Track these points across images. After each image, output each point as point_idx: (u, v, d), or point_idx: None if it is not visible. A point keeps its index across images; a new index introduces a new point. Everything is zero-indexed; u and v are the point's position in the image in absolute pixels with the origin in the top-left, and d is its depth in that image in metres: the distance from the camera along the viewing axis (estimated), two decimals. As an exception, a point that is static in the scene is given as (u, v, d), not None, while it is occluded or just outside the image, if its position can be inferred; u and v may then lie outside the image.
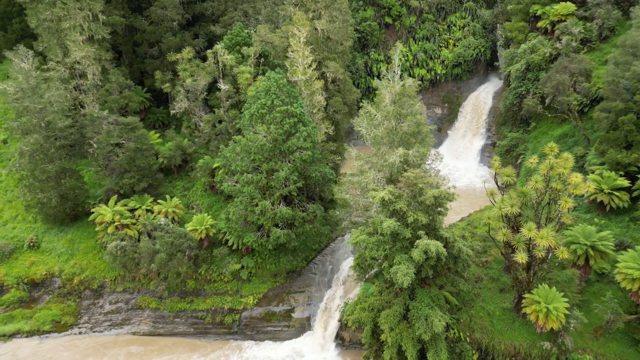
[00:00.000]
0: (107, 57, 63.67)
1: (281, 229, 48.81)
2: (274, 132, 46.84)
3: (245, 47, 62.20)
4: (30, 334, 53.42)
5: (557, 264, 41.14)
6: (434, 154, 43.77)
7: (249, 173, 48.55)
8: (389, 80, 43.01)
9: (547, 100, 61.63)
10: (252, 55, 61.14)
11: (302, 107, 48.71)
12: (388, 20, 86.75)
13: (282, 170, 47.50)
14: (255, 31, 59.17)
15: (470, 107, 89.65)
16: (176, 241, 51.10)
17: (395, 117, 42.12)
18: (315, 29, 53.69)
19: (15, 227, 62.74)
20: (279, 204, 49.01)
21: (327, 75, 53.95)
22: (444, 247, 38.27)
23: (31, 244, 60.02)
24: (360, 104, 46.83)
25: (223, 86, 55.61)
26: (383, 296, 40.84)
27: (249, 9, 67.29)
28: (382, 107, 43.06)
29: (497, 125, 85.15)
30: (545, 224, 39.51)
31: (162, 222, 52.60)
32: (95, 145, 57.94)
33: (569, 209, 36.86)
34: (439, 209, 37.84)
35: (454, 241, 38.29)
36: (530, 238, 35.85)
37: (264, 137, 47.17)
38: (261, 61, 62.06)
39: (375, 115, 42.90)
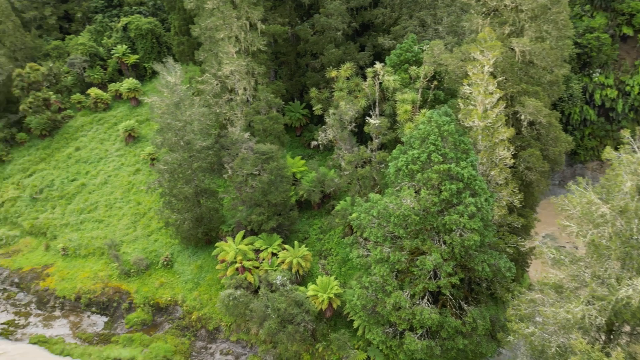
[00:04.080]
0: (260, 71, 57.09)
1: (420, 337, 34.63)
2: (426, 199, 32.81)
3: (413, 67, 48.82)
4: (142, 365, 50.47)
5: None
6: None
7: (385, 247, 35.55)
8: (636, 151, 24.89)
9: None
10: (422, 76, 47.45)
11: (475, 168, 33.44)
12: (627, 31, 62.14)
13: (432, 254, 33.23)
14: (425, 48, 45.15)
15: None
16: (290, 309, 41.30)
17: None
18: (512, 49, 37.15)
19: (158, 240, 61.53)
20: (422, 299, 34.87)
21: (522, 117, 37.06)
22: None
23: (165, 262, 57.70)
24: (575, 179, 29.51)
25: (373, 120, 43.27)
26: None
27: (428, 17, 53.13)
28: (615, 192, 25.33)
29: None
30: None
31: (278, 280, 43.37)
32: (230, 172, 51.92)
33: None
34: None
35: None
36: None
37: (411, 204, 33.48)
38: (433, 85, 47.91)
39: (599, 206, 25.37)
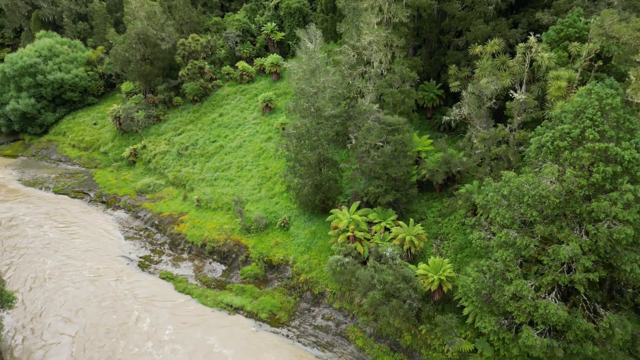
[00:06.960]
0: (399, 44, 55.45)
1: (541, 334, 30.37)
2: (572, 180, 28.40)
3: (575, 43, 43.01)
4: (249, 315, 52.65)
5: None
6: None
7: (512, 231, 31.77)
8: None
9: None
10: (584, 54, 41.63)
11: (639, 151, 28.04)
12: None
13: (569, 244, 28.76)
14: (594, 21, 39.29)
15: None
16: (396, 283, 39.47)
17: None
18: None
19: (278, 203, 63.94)
20: (549, 293, 30.49)
21: None
22: None
23: (282, 224, 59.70)
24: None
25: (518, 95, 38.99)
26: None
27: (601, -11, 46.29)
28: None
29: None
30: None
31: (387, 253, 41.74)
32: (353, 142, 51.45)
33: None
34: None
35: None
36: None
37: (552, 184, 29.29)
38: (596, 65, 41.75)
39: None
